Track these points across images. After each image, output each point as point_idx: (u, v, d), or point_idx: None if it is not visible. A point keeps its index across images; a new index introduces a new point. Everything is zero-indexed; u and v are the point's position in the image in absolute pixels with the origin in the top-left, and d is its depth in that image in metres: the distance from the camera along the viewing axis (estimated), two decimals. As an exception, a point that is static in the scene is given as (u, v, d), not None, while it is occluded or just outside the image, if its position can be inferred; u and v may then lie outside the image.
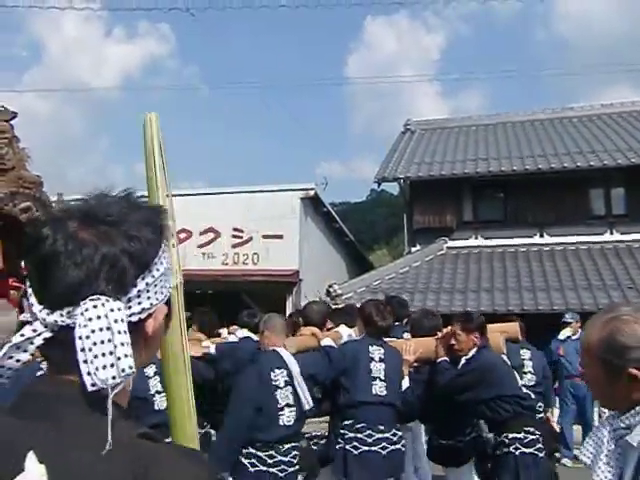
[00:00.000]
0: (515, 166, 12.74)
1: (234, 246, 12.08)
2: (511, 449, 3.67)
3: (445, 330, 4.15)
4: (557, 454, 6.43)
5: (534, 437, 3.69)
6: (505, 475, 3.70)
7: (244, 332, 4.81)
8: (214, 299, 11.09)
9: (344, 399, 3.81)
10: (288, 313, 8.44)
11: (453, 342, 3.97)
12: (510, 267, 11.88)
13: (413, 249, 13.35)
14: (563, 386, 7.77)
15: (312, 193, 12.22)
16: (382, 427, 3.75)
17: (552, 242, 12.55)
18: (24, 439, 0.70)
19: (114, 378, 0.70)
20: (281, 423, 3.43)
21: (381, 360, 3.88)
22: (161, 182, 1.35)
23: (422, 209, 13.31)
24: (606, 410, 1.85)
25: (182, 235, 12.00)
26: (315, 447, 4.06)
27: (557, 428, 8.85)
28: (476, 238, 13.21)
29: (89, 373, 0.70)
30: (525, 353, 4.86)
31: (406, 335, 4.56)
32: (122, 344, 0.71)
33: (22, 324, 0.78)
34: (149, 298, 0.78)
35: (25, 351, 0.75)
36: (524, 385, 4.28)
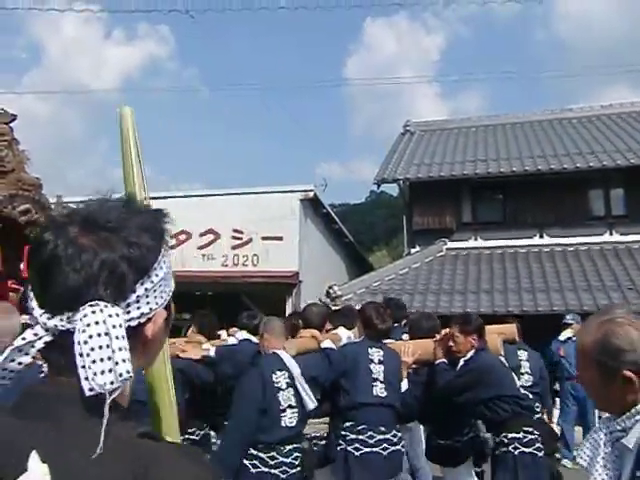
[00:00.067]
0: (514, 167, 12.75)
1: (234, 247, 12.08)
2: (510, 449, 3.70)
3: (443, 332, 4.19)
4: (557, 455, 6.44)
5: (533, 437, 3.72)
6: (504, 474, 3.73)
7: (243, 334, 4.80)
8: (214, 300, 11.10)
9: (345, 401, 3.83)
10: (287, 315, 8.43)
11: (451, 344, 4.01)
12: (510, 268, 11.89)
13: (413, 250, 13.35)
14: (564, 387, 7.77)
15: (312, 194, 12.22)
16: (383, 428, 3.77)
17: (552, 243, 12.56)
18: (26, 439, 0.71)
19: (112, 383, 0.71)
20: (283, 424, 3.44)
21: (380, 362, 3.91)
22: (138, 176, 1.36)
23: (421, 210, 13.31)
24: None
25: (182, 237, 12.01)
26: (314, 448, 4.07)
27: (557, 429, 8.87)
28: (476, 239, 13.22)
29: (87, 378, 0.71)
30: (522, 354, 4.89)
31: (404, 336, 4.60)
32: (120, 349, 0.72)
33: (24, 327, 0.80)
34: (148, 303, 0.79)
35: (27, 354, 0.76)
36: (521, 386, 4.31)
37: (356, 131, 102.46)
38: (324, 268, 13.22)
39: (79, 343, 0.72)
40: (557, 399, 8.97)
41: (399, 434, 3.88)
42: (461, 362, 3.94)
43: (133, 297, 0.77)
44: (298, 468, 3.49)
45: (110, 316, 0.73)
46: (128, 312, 0.77)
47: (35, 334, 0.76)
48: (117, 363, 0.71)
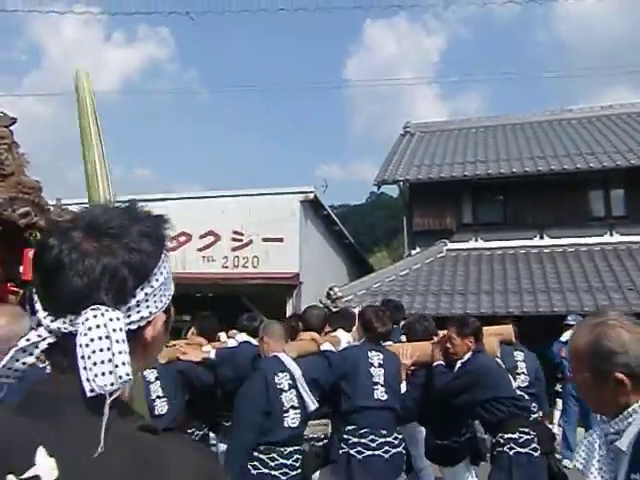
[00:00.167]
0: (514, 168, 12.74)
1: (234, 249, 12.07)
2: (505, 449, 3.75)
3: (441, 334, 4.24)
4: (558, 455, 6.44)
5: (529, 437, 3.76)
6: (500, 474, 3.77)
7: (243, 336, 4.80)
8: (214, 302, 11.09)
9: (346, 405, 3.87)
10: (286, 317, 8.43)
11: (448, 346, 4.05)
12: (510, 269, 11.88)
13: (413, 251, 13.35)
14: (566, 388, 7.75)
15: (312, 196, 12.22)
16: (384, 431, 3.81)
17: (552, 244, 12.55)
18: (32, 436, 0.74)
19: (112, 384, 0.74)
20: (286, 425, 3.47)
21: (380, 365, 3.94)
22: (94, 133, 1.35)
23: (422, 211, 13.31)
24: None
25: (182, 238, 12.01)
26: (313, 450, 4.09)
27: (559, 430, 8.86)
28: (476, 240, 13.21)
29: (88, 379, 0.74)
30: (518, 355, 4.92)
31: (402, 338, 4.64)
32: (120, 352, 0.75)
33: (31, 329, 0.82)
34: (148, 307, 0.81)
35: (31, 354, 0.80)
36: (518, 387, 4.36)
37: (356, 132, 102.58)
38: (324, 269, 13.22)
39: (81, 346, 0.74)
40: (559, 400, 8.96)
41: (400, 436, 3.91)
42: (458, 364, 3.99)
43: (133, 301, 0.80)
44: (298, 470, 3.51)
45: (111, 320, 0.75)
46: (129, 316, 0.79)
47: (39, 335, 0.79)
48: (117, 366, 0.74)
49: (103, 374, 0.74)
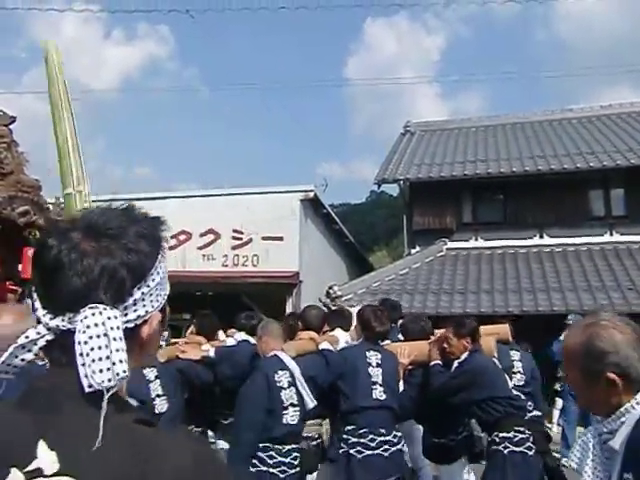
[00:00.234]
0: (514, 167, 12.75)
1: (234, 248, 12.08)
2: (500, 447, 3.78)
3: (437, 333, 4.29)
4: (557, 454, 6.45)
5: (524, 436, 3.79)
6: (494, 472, 3.81)
7: (242, 335, 4.81)
8: (214, 301, 11.09)
9: (346, 405, 3.89)
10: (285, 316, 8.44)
11: (445, 346, 4.08)
12: (510, 268, 11.88)
13: (413, 250, 13.36)
14: (565, 387, 7.76)
15: (312, 195, 12.22)
16: (383, 430, 3.83)
17: (552, 243, 12.55)
18: (33, 430, 0.76)
19: (109, 381, 0.76)
20: (285, 422, 3.50)
21: (378, 365, 3.96)
22: (64, 103, 1.37)
23: (422, 210, 13.31)
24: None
25: (182, 237, 12.02)
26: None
27: (558, 429, 8.86)
28: (476, 239, 13.21)
29: (86, 376, 0.76)
30: (515, 354, 4.94)
31: (400, 336, 4.67)
32: (117, 350, 0.77)
33: None
34: (144, 306, 0.84)
35: (29, 351, 0.82)
36: (514, 385, 4.39)
37: (356, 131, 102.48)
38: (324, 268, 13.23)
39: (79, 343, 0.77)
40: (558, 399, 8.97)
41: (399, 434, 3.94)
42: (455, 364, 4.02)
43: (131, 300, 0.82)
44: (297, 469, 3.53)
45: (109, 318, 0.78)
46: (126, 315, 0.81)
47: (38, 333, 0.81)
48: (114, 363, 0.77)
49: (101, 371, 0.76)
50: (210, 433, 5.04)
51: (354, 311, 4.57)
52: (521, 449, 3.74)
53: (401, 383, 4.11)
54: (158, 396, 3.86)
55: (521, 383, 4.74)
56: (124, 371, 0.77)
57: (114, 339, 0.77)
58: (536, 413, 4.85)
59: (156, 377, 3.89)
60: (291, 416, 3.52)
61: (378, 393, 3.89)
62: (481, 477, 3.98)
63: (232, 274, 11.91)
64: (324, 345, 4.04)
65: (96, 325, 0.77)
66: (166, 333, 4.46)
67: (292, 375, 3.58)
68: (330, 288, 11.15)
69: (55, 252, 0.81)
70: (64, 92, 1.29)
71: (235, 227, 12.04)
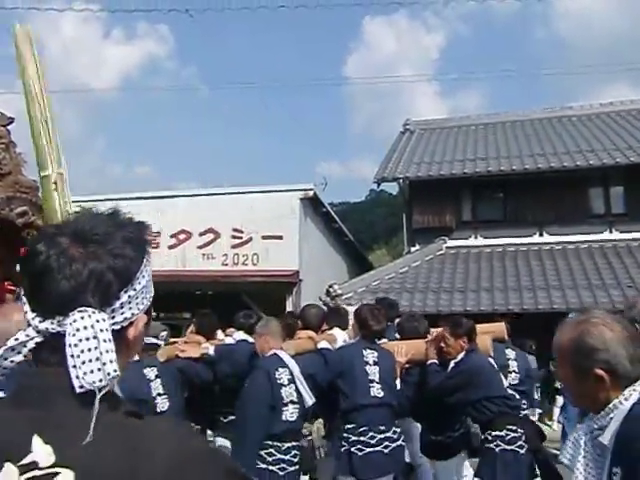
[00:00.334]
0: (514, 165, 12.75)
1: (234, 247, 12.07)
2: (492, 445, 3.82)
3: (434, 331, 4.32)
4: (557, 451, 6.46)
5: (516, 435, 3.82)
6: (486, 470, 3.85)
7: (241, 334, 4.81)
8: (214, 300, 11.10)
9: (345, 404, 3.92)
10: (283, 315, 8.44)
11: (442, 345, 4.11)
12: (510, 266, 11.89)
13: (412, 249, 13.36)
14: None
15: (311, 193, 12.21)
16: (382, 427, 3.86)
17: (552, 241, 12.56)
18: (27, 426, 0.78)
19: (100, 381, 0.78)
20: (284, 418, 3.52)
21: (375, 363, 3.99)
22: (37, 84, 1.37)
23: (421, 209, 13.31)
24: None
25: (182, 236, 12.02)
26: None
27: (557, 426, 8.87)
28: (475, 238, 13.22)
29: (77, 377, 0.78)
30: (510, 353, 4.96)
31: (397, 336, 4.69)
32: (107, 351, 0.80)
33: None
34: (131, 309, 0.86)
35: (19, 353, 0.84)
36: (509, 384, 4.43)
37: (356, 129, 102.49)
38: (324, 267, 13.23)
39: (70, 345, 0.79)
40: (559, 397, 8.99)
41: (398, 430, 3.97)
42: (452, 364, 4.05)
43: (117, 304, 0.84)
44: (297, 466, 3.56)
45: (97, 321, 0.80)
46: (113, 317, 0.84)
47: (27, 335, 0.83)
48: (105, 364, 0.79)
49: (92, 372, 0.78)
50: (209, 432, 5.05)
51: (351, 310, 4.58)
52: (513, 447, 3.78)
53: (398, 382, 4.13)
54: (159, 395, 3.87)
55: (516, 382, 4.76)
56: (115, 370, 0.79)
57: (104, 341, 0.79)
58: (529, 412, 4.89)
59: (157, 376, 3.91)
60: (290, 413, 3.54)
61: (376, 390, 3.91)
62: (474, 473, 4.04)
63: (232, 273, 11.91)
64: (323, 344, 4.07)
65: (85, 328, 0.79)
66: (165, 333, 4.46)
67: (291, 373, 3.61)
68: (330, 287, 11.16)
69: (44, 257, 0.83)
70: (35, 72, 1.29)
71: (235, 226, 12.04)
